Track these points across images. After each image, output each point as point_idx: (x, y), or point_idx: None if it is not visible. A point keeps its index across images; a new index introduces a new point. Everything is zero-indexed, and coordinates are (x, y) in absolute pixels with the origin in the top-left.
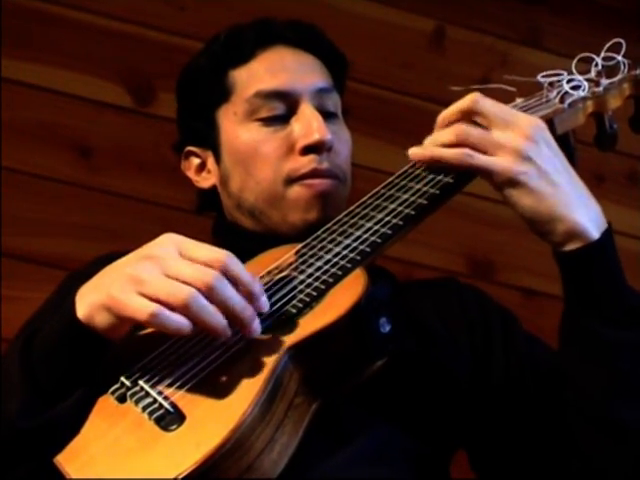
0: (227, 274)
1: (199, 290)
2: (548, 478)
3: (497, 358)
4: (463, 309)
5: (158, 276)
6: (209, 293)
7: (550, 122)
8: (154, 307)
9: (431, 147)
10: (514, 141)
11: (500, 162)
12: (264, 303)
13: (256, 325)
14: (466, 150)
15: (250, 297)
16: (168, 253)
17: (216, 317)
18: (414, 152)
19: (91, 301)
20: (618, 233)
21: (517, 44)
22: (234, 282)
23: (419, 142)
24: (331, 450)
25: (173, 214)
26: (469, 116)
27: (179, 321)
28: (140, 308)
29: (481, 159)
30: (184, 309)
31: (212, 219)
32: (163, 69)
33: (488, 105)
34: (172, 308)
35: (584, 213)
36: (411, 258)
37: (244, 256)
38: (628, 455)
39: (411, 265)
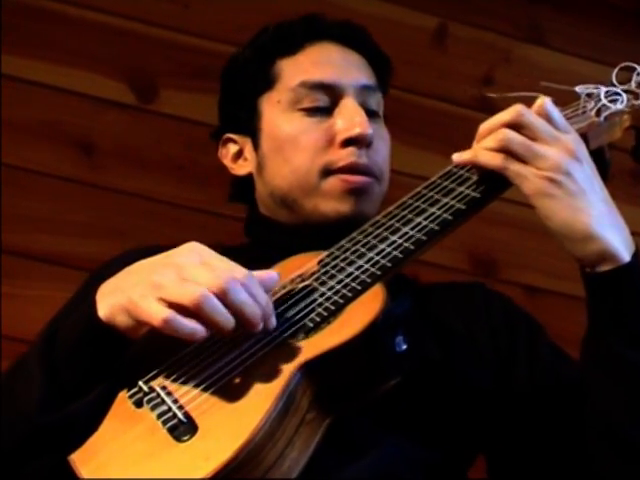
0: (244, 287)
1: (213, 293)
2: None
3: (520, 367)
4: (488, 315)
5: (175, 280)
6: (223, 296)
7: (584, 136)
8: (167, 313)
9: (472, 150)
10: (556, 154)
11: (539, 172)
12: (271, 323)
13: (272, 322)
14: (505, 155)
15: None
16: (189, 260)
17: (226, 317)
18: (456, 157)
19: (112, 302)
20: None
21: (520, 41)
22: (250, 295)
23: (421, 139)
24: (342, 464)
25: (176, 212)
26: (513, 129)
27: (191, 326)
28: (155, 313)
29: (519, 166)
30: (196, 309)
31: (218, 218)
32: (166, 67)
33: (533, 118)
34: (185, 310)
35: (616, 234)
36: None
37: (273, 249)
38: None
39: (414, 263)
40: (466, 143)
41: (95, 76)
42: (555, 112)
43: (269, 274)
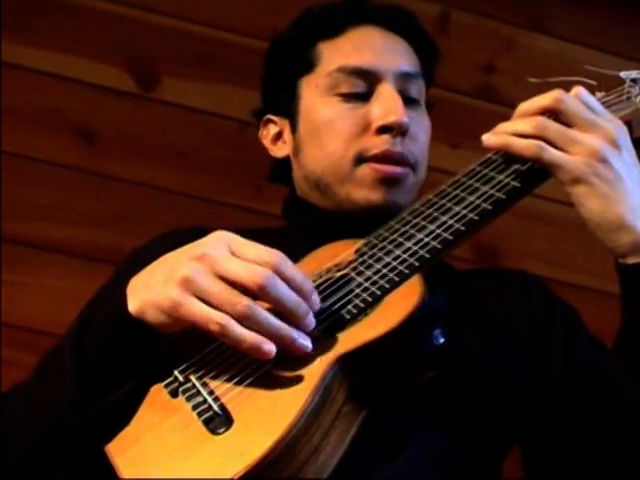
0: (279, 274)
1: (253, 291)
2: None
3: (556, 357)
4: (527, 302)
5: (212, 279)
6: (262, 293)
7: (628, 124)
8: (222, 318)
9: (505, 135)
10: (594, 141)
11: (574, 159)
12: (315, 302)
13: (310, 319)
14: (539, 142)
15: (301, 296)
16: (219, 252)
17: (276, 326)
18: (487, 138)
19: (144, 298)
20: None
21: (522, 29)
22: (287, 282)
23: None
24: (378, 460)
25: (177, 200)
26: (551, 114)
27: (244, 333)
28: (208, 317)
29: (554, 153)
30: (244, 320)
31: (219, 206)
32: (167, 54)
33: (573, 105)
34: (232, 317)
35: None
36: None
37: (309, 234)
38: None
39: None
40: (468, 131)
41: (96, 64)
42: (592, 100)
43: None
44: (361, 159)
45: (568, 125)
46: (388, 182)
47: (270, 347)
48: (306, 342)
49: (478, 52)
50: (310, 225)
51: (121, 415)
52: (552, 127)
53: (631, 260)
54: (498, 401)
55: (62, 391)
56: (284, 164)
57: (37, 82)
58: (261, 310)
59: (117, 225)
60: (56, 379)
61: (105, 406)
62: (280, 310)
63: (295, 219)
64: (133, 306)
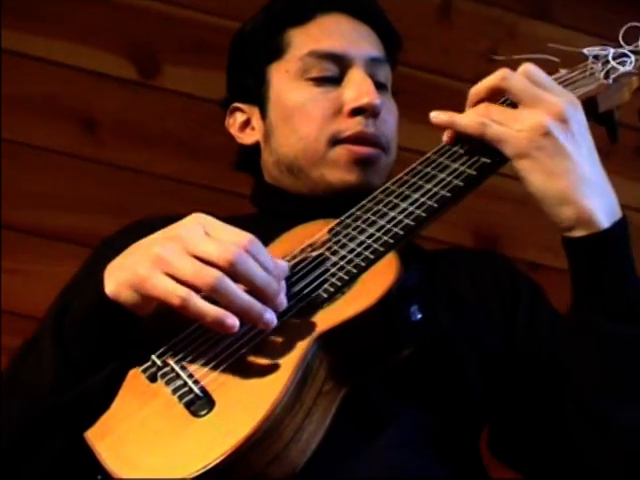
0: (250, 255)
1: (223, 268)
2: (548, 461)
3: (519, 332)
4: (496, 279)
5: (183, 256)
6: (232, 270)
7: (593, 99)
8: (184, 291)
9: (451, 113)
10: (537, 116)
11: (515, 134)
12: (282, 287)
13: (281, 299)
14: (481, 118)
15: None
16: (193, 232)
17: (242, 301)
18: (435, 116)
19: (118, 279)
20: (625, 207)
21: (525, 16)
22: (257, 263)
23: (424, 114)
24: (358, 438)
25: (178, 187)
26: (499, 93)
27: (209, 307)
28: (170, 291)
29: (496, 129)
30: (211, 292)
31: (219, 193)
32: (168, 41)
33: (517, 81)
34: (198, 290)
35: (597, 201)
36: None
37: (280, 218)
38: (617, 453)
39: (419, 238)
40: None
41: (96, 51)
42: (541, 75)
43: (282, 265)
44: (335, 141)
45: (516, 102)
46: (363, 163)
47: (233, 321)
48: (272, 317)
49: (480, 39)
50: (282, 209)
51: (101, 399)
52: (494, 109)
53: (576, 234)
54: (475, 377)
55: (42, 375)
56: (251, 152)
57: (37, 69)
58: (230, 283)
59: (117, 212)
60: (36, 364)
61: (85, 390)
62: (251, 288)
63: (266, 205)
64: (110, 288)
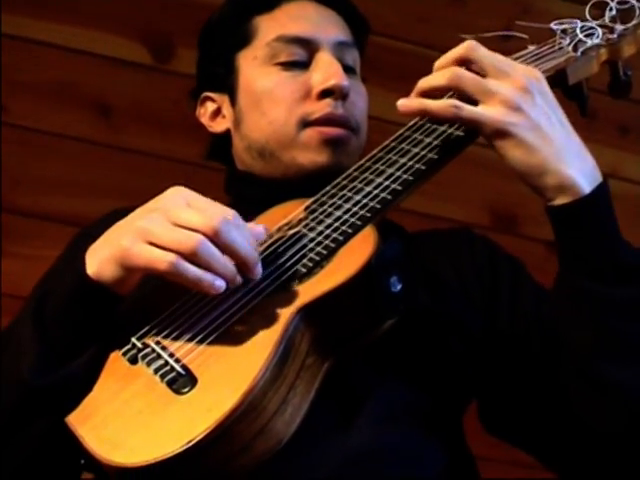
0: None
1: (205, 235)
2: (546, 431)
3: (503, 307)
4: (473, 258)
5: (166, 225)
6: (215, 237)
7: (562, 71)
8: (172, 256)
9: (419, 100)
10: (506, 91)
11: (489, 113)
12: (257, 271)
13: (259, 268)
14: (453, 101)
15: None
16: (175, 203)
17: (225, 263)
18: (402, 103)
19: (101, 256)
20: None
21: None
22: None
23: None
24: (342, 412)
25: (193, 171)
26: (465, 64)
27: (199, 272)
28: (157, 257)
29: (469, 110)
30: (193, 256)
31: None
32: (182, 26)
33: (483, 53)
34: (183, 256)
35: (576, 167)
36: (433, 212)
37: (254, 205)
38: (617, 413)
39: (432, 219)
40: None
41: (111, 37)
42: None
43: (257, 227)
44: (304, 123)
45: (482, 75)
46: (333, 144)
47: (220, 283)
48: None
49: (494, 18)
50: (256, 195)
51: (83, 383)
52: (466, 76)
53: (558, 202)
54: (456, 352)
55: (22, 359)
56: (222, 140)
57: (51, 56)
58: (212, 247)
59: (134, 197)
60: (16, 348)
61: (67, 373)
62: (233, 257)
63: (239, 192)
64: (92, 268)
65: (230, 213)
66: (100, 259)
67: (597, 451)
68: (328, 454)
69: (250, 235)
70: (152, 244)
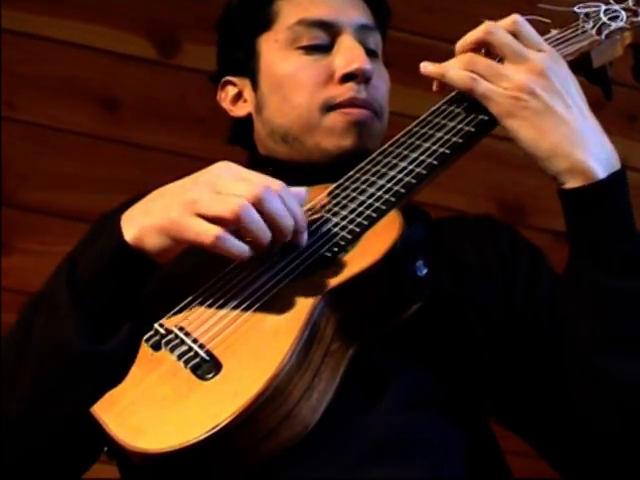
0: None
1: (250, 201)
2: (547, 423)
3: (518, 291)
4: (495, 245)
5: (211, 194)
6: (258, 204)
7: (586, 55)
8: (218, 230)
9: (441, 65)
10: (522, 74)
11: (504, 93)
12: (304, 238)
13: (304, 237)
14: (473, 74)
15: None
16: (222, 175)
17: (265, 230)
18: (425, 67)
19: (142, 224)
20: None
21: None
22: (287, 207)
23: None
24: (367, 397)
25: (199, 166)
26: (484, 47)
27: (241, 245)
28: (204, 231)
29: (485, 86)
30: (235, 220)
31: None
32: (187, 20)
33: (501, 36)
34: (224, 221)
35: (591, 152)
36: (440, 202)
37: None
38: (616, 407)
39: (440, 209)
40: None
41: (115, 31)
42: (526, 28)
43: (298, 190)
44: (328, 107)
45: (500, 57)
46: (358, 126)
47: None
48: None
49: (500, 8)
50: (280, 176)
51: (123, 360)
52: (481, 62)
53: (569, 185)
54: (479, 338)
55: (60, 328)
56: (243, 125)
57: (56, 51)
58: (254, 212)
59: (138, 192)
60: (51, 320)
61: (110, 347)
62: (274, 227)
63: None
64: (130, 234)
65: (277, 183)
66: (142, 226)
67: (595, 445)
68: (352, 440)
69: (297, 205)
70: (199, 215)
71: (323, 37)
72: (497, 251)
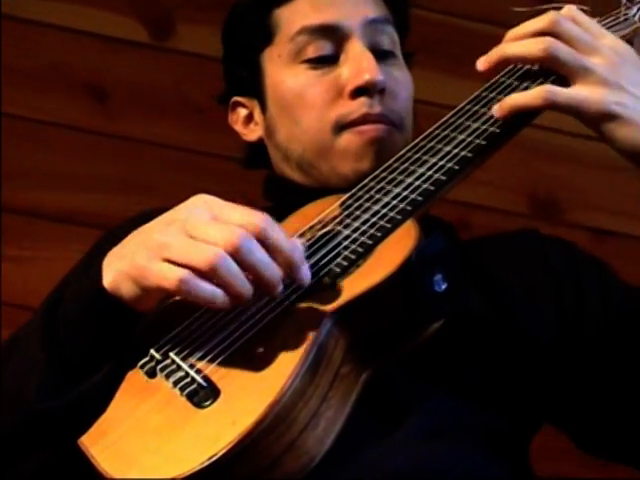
0: (265, 240)
1: (226, 252)
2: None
3: (590, 316)
4: (547, 265)
5: (182, 238)
6: (236, 254)
7: (629, 43)
8: (182, 272)
9: (509, 98)
10: (602, 68)
11: (590, 95)
12: (305, 274)
13: (303, 271)
14: (546, 87)
15: (290, 267)
16: (196, 215)
17: (242, 282)
18: (480, 62)
19: (117, 269)
20: None
21: None
22: (273, 249)
23: (468, 67)
24: (383, 426)
25: (199, 160)
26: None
27: (211, 289)
28: (167, 275)
29: (567, 95)
30: (210, 271)
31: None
32: None
33: (570, 27)
34: (198, 272)
35: None
36: (465, 199)
37: (295, 211)
38: None
39: (465, 207)
40: None
41: (104, 13)
42: (585, 18)
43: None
44: (340, 127)
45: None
46: (375, 145)
47: (225, 300)
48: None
49: None
50: (297, 202)
51: (96, 404)
52: (563, 51)
53: None
54: (518, 368)
55: (28, 376)
56: (259, 148)
57: (40, 35)
58: (232, 263)
59: (134, 190)
60: (21, 363)
61: (78, 394)
62: (255, 277)
63: (280, 198)
64: (108, 280)
65: (258, 219)
66: (116, 272)
67: None
68: (366, 472)
69: (286, 241)
70: (167, 260)
71: (328, 46)
72: (549, 272)
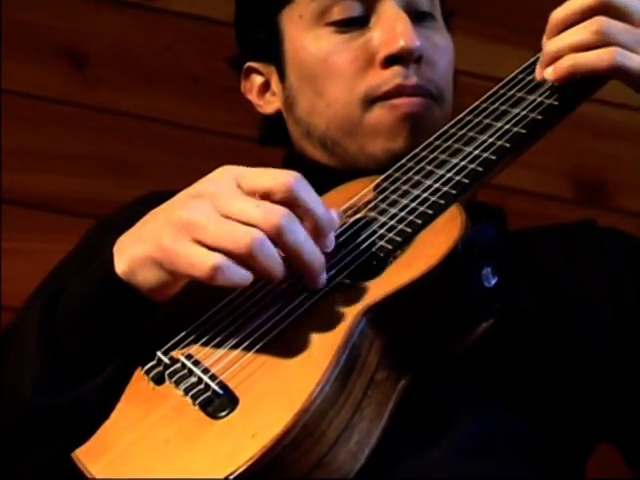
0: (295, 201)
1: (267, 233)
2: None
3: None
4: (604, 260)
5: (216, 218)
6: (277, 236)
7: None
8: (218, 259)
9: (567, 58)
10: None
11: None
12: (330, 241)
13: (323, 278)
14: (617, 49)
15: (316, 231)
16: (225, 188)
17: (280, 266)
18: (549, 73)
19: (134, 254)
20: None
21: None
22: (304, 211)
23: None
24: (423, 439)
25: (194, 136)
26: (597, 14)
27: (245, 275)
28: (200, 261)
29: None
30: (248, 257)
31: (241, 141)
32: None
33: (620, 1)
34: (234, 256)
35: None
36: (502, 182)
37: (319, 193)
38: None
39: (503, 191)
40: None
41: None
42: None
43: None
44: (371, 100)
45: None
46: (410, 120)
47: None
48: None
49: None
50: (321, 184)
51: (99, 406)
52: (616, 28)
53: None
54: (577, 372)
55: (25, 371)
56: (277, 121)
57: None
58: (272, 248)
59: (121, 171)
60: (18, 356)
61: (80, 393)
62: (295, 262)
63: None
64: (122, 267)
65: (291, 182)
66: (133, 258)
67: None
68: None
69: (323, 208)
70: (200, 242)
71: (357, 7)
72: (606, 267)
